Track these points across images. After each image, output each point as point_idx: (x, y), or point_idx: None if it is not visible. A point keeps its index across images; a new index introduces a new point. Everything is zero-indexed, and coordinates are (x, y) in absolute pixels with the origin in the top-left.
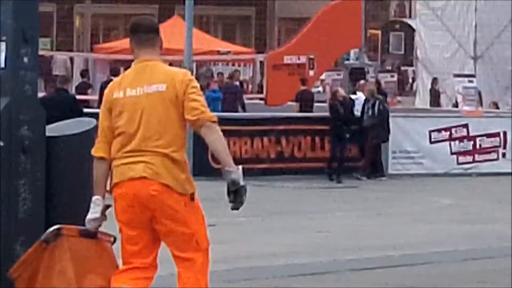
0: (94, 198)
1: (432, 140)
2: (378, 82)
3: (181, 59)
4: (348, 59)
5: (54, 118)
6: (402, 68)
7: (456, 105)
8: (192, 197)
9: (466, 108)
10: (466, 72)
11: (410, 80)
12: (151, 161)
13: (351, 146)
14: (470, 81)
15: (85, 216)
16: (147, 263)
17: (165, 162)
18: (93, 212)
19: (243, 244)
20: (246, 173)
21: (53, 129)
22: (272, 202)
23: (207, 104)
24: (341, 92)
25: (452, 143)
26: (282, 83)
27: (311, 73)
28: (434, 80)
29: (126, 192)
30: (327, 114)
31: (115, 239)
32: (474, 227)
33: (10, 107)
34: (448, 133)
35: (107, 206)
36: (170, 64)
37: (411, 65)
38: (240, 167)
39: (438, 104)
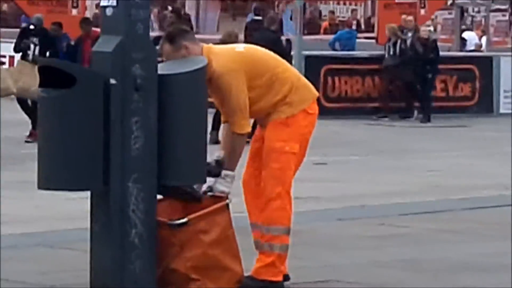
0: (231, 173)
1: None
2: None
3: None
4: None
5: None
6: None
7: None
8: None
9: None
10: None
11: None
12: None
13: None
14: None
15: (199, 155)
16: None
17: None
18: (227, 186)
19: (354, 183)
20: (357, 111)
21: (165, 67)
22: (382, 141)
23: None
24: (424, 31)
25: None
26: (393, 22)
27: (422, 12)
28: None
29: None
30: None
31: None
32: None
33: (122, 45)
34: None
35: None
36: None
37: None
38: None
39: None
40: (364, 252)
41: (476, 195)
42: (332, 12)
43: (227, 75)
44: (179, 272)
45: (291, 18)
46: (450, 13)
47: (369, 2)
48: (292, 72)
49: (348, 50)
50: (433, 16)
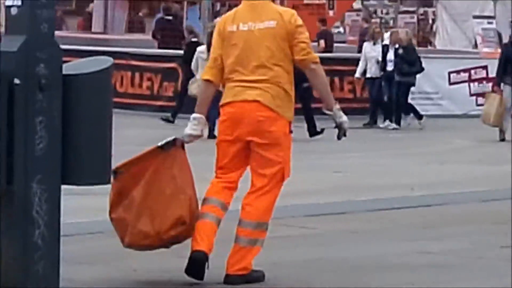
0: (196, 115)
1: (451, 81)
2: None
3: None
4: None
5: None
6: (422, 9)
7: (475, 46)
8: (290, 130)
9: (485, 49)
10: (486, 14)
11: (430, 22)
12: (264, 89)
13: None
14: (490, 23)
15: (103, 156)
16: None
17: (276, 90)
18: (193, 129)
19: None
20: None
21: (70, 67)
22: None
23: None
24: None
25: (471, 84)
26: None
27: (331, 13)
28: None
29: (235, 111)
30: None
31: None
32: (492, 168)
33: (26, 45)
34: (467, 74)
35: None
36: None
37: (431, 6)
38: (338, 105)
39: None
40: (268, 252)
41: (382, 196)
42: None
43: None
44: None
45: (199, 18)
46: (358, 15)
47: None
48: None
49: None
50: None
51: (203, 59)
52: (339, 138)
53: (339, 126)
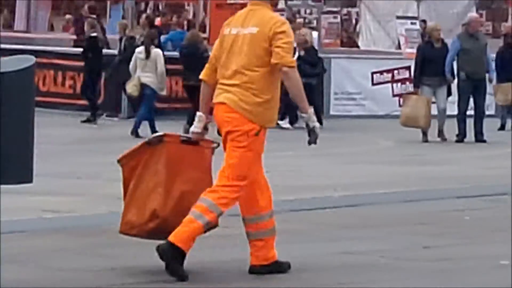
0: (198, 113)
1: (374, 82)
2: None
3: None
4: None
5: None
6: (346, 9)
7: (398, 47)
8: (257, 133)
9: (408, 50)
10: (409, 14)
11: (354, 22)
12: (234, 92)
13: None
14: (413, 23)
15: (26, 155)
16: None
17: (245, 95)
18: (195, 127)
19: None
20: None
21: None
22: None
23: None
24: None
25: (394, 85)
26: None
27: None
28: None
29: (215, 113)
30: None
31: (218, 144)
32: (414, 169)
33: None
34: (390, 75)
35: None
36: None
37: (355, 7)
38: (311, 110)
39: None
40: (190, 252)
41: (305, 196)
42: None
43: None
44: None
45: (122, 18)
46: (282, 15)
47: (201, 2)
48: None
49: None
50: None
51: (141, 59)
52: (309, 143)
53: (311, 130)
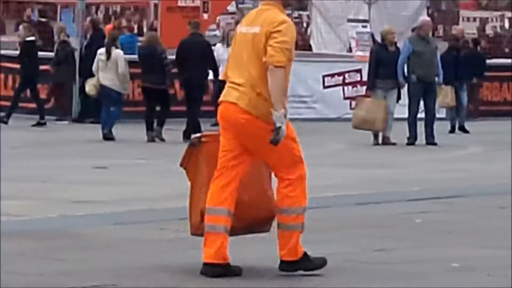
0: None
1: (325, 85)
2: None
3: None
4: (242, 2)
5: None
6: (297, 12)
7: (349, 50)
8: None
9: (359, 53)
10: (360, 17)
11: (305, 25)
12: (243, 92)
13: None
14: (364, 26)
15: None
16: None
17: (252, 94)
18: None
19: (138, 186)
20: None
21: None
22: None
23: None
24: None
25: (345, 88)
26: (176, 26)
27: (205, 16)
28: None
29: (222, 111)
30: None
31: None
32: (365, 172)
33: None
34: (341, 78)
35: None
36: None
37: (306, 10)
38: (283, 111)
39: None
40: (143, 256)
41: None
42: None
43: None
44: None
45: (73, 21)
46: (233, 18)
47: (152, 3)
48: None
49: (131, 54)
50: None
51: (102, 60)
52: (271, 142)
53: (276, 129)
